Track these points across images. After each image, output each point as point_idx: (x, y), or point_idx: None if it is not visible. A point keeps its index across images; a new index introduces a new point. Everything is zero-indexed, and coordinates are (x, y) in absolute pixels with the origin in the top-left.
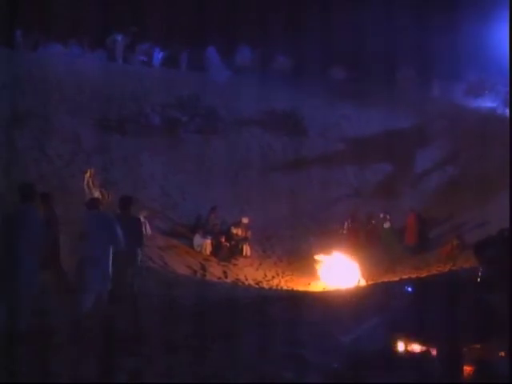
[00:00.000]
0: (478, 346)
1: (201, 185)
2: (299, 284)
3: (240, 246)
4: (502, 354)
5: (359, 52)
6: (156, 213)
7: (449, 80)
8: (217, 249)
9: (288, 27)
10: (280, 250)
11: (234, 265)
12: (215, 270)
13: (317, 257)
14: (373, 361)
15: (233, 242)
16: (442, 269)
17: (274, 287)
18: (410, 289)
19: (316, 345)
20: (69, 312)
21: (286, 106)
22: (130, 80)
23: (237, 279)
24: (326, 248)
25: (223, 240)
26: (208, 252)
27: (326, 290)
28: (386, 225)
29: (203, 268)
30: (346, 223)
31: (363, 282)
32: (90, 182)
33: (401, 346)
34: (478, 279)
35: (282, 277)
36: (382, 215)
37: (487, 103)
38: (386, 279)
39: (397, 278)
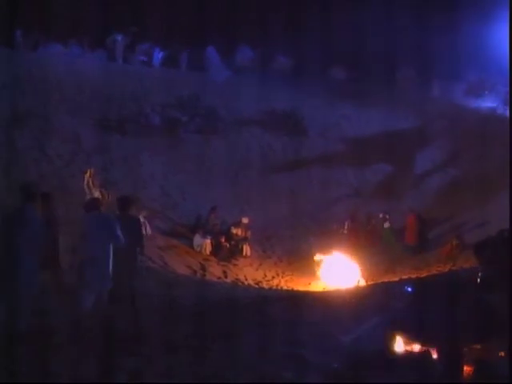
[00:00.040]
0: (478, 346)
1: (201, 185)
2: (299, 284)
3: (240, 246)
4: (502, 354)
5: (359, 52)
6: (156, 213)
7: (449, 80)
8: (217, 249)
9: (288, 27)
10: (280, 250)
11: (234, 265)
12: (215, 270)
13: (317, 257)
14: (373, 361)
15: (233, 242)
16: (441, 269)
17: (274, 287)
18: (409, 289)
19: (316, 345)
20: (69, 312)
21: (286, 106)
22: (130, 80)
23: (237, 279)
24: (326, 248)
25: (223, 240)
26: (208, 252)
27: (326, 290)
28: (386, 225)
29: (203, 268)
30: (346, 223)
31: (363, 282)
32: (90, 182)
33: (401, 346)
34: (478, 279)
35: (282, 277)
36: (381, 215)
37: (487, 103)
38: (385, 279)
39: (397, 278)
